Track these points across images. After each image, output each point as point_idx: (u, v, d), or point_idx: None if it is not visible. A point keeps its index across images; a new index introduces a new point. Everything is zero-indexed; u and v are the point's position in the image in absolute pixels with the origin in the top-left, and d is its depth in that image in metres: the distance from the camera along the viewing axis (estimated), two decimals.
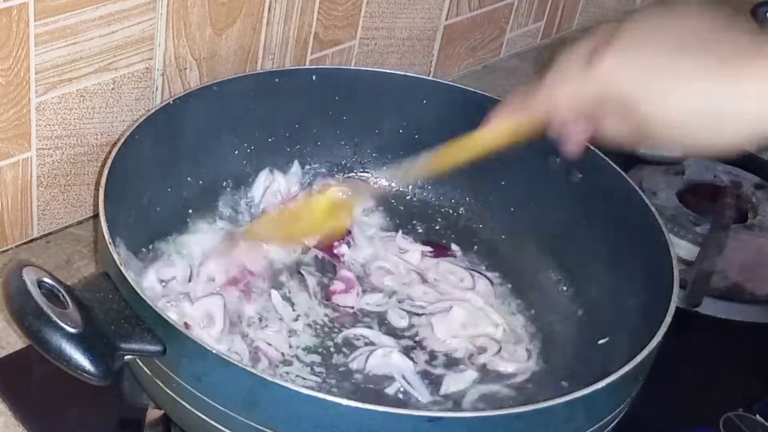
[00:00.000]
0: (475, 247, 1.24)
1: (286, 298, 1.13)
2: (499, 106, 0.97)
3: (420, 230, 1.25)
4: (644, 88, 0.84)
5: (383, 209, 1.26)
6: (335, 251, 1.19)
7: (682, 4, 0.85)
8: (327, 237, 1.17)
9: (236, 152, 1.21)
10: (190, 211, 1.17)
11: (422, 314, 1.14)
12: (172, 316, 0.98)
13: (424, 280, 1.18)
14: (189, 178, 1.17)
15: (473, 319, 1.13)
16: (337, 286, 1.15)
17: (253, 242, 1.15)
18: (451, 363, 1.09)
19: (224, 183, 1.21)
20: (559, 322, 1.16)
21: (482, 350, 1.11)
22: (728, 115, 0.81)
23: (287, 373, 1.05)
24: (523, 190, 1.22)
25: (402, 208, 1.27)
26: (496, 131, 0.98)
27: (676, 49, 0.83)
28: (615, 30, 0.87)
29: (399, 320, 1.13)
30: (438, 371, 1.08)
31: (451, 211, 1.27)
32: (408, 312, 1.14)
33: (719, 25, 0.83)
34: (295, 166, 1.25)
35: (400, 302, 1.15)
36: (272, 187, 1.22)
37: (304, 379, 1.04)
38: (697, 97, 0.81)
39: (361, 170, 1.27)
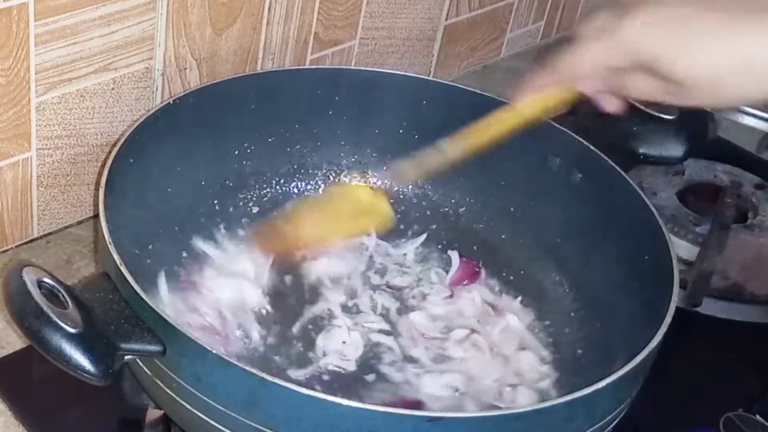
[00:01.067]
0: (475, 247, 1.24)
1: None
2: (529, 77, 0.98)
3: (420, 230, 1.25)
4: (673, 44, 0.85)
5: None
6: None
7: None
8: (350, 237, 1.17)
9: (236, 152, 1.21)
10: (191, 210, 1.17)
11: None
12: None
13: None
14: (189, 178, 1.16)
15: None
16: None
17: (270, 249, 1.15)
18: None
19: (225, 182, 1.21)
20: (559, 321, 1.16)
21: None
22: (756, 66, 0.82)
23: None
24: (523, 190, 1.22)
25: (402, 207, 1.27)
26: (530, 102, 0.99)
27: (703, 4, 0.85)
28: None
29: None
30: None
31: (450, 211, 1.27)
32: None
33: None
34: None
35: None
36: None
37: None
38: (724, 51, 0.83)
39: (362, 170, 1.27)
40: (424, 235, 1.24)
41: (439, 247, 1.24)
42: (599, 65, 0.92)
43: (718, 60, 0.84)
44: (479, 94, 1.23)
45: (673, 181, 1.38)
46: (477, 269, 1.21)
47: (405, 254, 1.22)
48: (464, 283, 1.19)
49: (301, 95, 1.21)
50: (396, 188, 1.26)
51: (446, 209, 1.28)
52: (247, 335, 1.09)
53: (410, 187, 1.28)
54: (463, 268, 1.20)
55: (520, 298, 1.18)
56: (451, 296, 1.17)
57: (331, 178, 1.27)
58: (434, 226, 1.26)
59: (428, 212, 1.27)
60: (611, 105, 0.97)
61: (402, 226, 1.25)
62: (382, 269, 1.20)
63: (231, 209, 1.21)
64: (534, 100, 0.99)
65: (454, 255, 1.22)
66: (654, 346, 0.93)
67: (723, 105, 0.86)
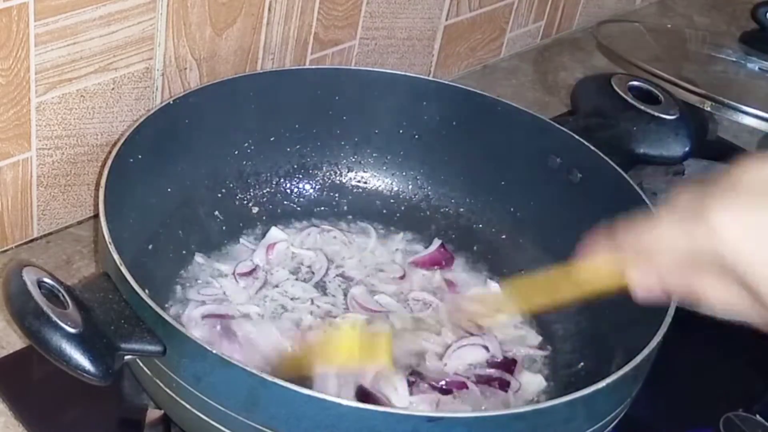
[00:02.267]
0: (475, 247, 1.24)
1: None
2: (593, 240, 0.85)
3: (421, 230, 1.26)
4: (762, 252, 0.71)
5: (384, 210, 1.26)
6: None
7: None
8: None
9: (236, 152, 1.21)
10: (191, 211, 1.17)
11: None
12: None
13: None
14: (189, 178, 1.16)
15: None
16: None
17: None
18: None
19: (225, 182, 1.21)
20: (559, 321, 1.16)
21: None
22: None
23: None
24: (523, 190, 1.22)
25: (403, 208, 1.27)
26: (590, 270, 0.86)
27: None
28: (730, 178, 0.74)
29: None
30: None
31: (451, 211, 1.27)
32: None
33: None
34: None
35: None
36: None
37: None
38: None
39: (362, 171, 1.27)
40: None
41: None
42: (677, 249, 0.76)
43: None
44: (479, 94, 1.23)
45: (673, 181, 1.38)
46: (447, 257, 1.21)
47: (396, 249, 1.23)
48: (430, 267, 1.20)
49: (301, 95, 1.21)
50: (396, 188, 1.27)
51: (446, 209, 1.28)
52: None
53: (410, 186, 1.28)
54: (433, 254, 1.21)
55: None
56: (402, 276, 1.18)
57: (331, 179, 1.27)
58: (433, 227, 1.26)
59: (428, 212, 1.27)
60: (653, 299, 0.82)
61: (402, 225, 1.26)
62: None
63: (232, 208, 1.21)
64: (594, 267, 0.86)
65: (436, 242, 1.23)
66: (654, 346, 0.93)
67: None
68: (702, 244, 0.74)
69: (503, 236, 1.24)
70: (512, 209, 1.24)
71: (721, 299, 0.76)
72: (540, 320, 1.15)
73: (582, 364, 1.10)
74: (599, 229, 0.84)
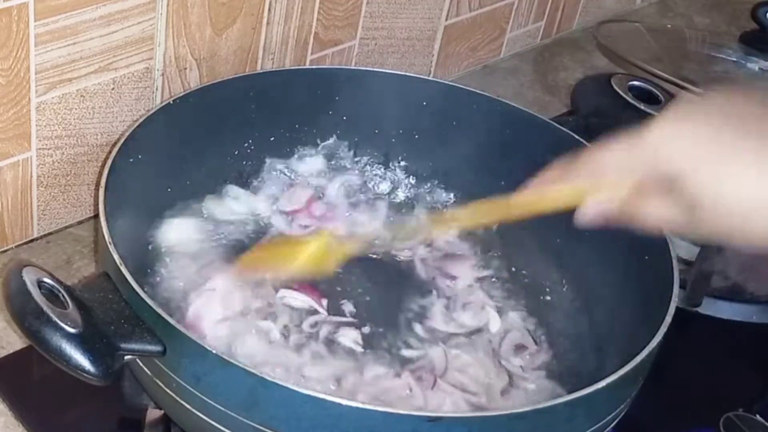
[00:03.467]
0: (474, 249, 1.24)
1: None
2: (543, 170, 0.91)
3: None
4: (699, 165, 0.77)
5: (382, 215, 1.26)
6: None
7: (745, 85, 0.80)
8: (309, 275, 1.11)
9: (236, 152, 1.21)
10: (191, 211, 1.17)
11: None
12: None
13: None
14: (189, 178, 1.16)
15: None
16: None
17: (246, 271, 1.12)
18: None
19: (225, 182, 1.21)
20: (559, 321, 1.16)
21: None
22: None
23: None
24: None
25: (402, 211, 1.27)
26: (535, 196, 0.92)
27: (738, 130, 0.77)
28: (667, 107, 0.82)
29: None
30: None
31: (442, 209, 1.27)
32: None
33: None
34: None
35: None
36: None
37: None
38: (756, 185, 0.75)
39: (357, 172, 1.27)
40: None
41: None
42: (620, 170, 0.83)
43: (749, 194, 0.75)
44: (479, 94, 1.23)
45: None
46: None
47: None
48: None
49: (301, 95, 1.22)
50: (394, 194, 1.27)
51: (445, 209, 1.27)
52: None
53: (409, 188, 1.28)
54: None
55: (520, 298, 1.18)
56: None
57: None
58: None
59: (426, 214, 1.27)
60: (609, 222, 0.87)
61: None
62: None
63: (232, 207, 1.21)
64: (540, 193, 0.92)
65: None
66: (654, 346, 0.93)
67: (747, 245, 0.76)
68: (643, 161, 0.80)
69: (503, 237, 1.24)
70: None
71: (664, 218, 0.82)
72: (540, 321, 1.15)
73: (584, 364, 1.10)
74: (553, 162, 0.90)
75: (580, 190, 0.87)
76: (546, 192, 0.90)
